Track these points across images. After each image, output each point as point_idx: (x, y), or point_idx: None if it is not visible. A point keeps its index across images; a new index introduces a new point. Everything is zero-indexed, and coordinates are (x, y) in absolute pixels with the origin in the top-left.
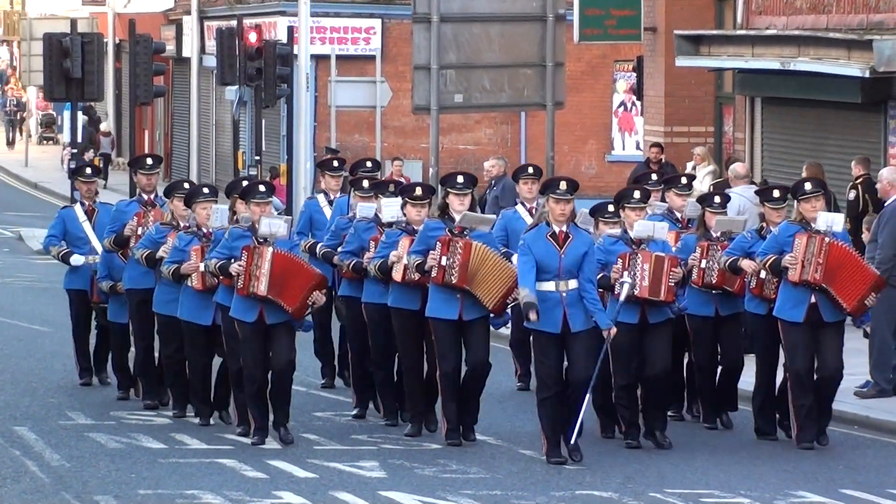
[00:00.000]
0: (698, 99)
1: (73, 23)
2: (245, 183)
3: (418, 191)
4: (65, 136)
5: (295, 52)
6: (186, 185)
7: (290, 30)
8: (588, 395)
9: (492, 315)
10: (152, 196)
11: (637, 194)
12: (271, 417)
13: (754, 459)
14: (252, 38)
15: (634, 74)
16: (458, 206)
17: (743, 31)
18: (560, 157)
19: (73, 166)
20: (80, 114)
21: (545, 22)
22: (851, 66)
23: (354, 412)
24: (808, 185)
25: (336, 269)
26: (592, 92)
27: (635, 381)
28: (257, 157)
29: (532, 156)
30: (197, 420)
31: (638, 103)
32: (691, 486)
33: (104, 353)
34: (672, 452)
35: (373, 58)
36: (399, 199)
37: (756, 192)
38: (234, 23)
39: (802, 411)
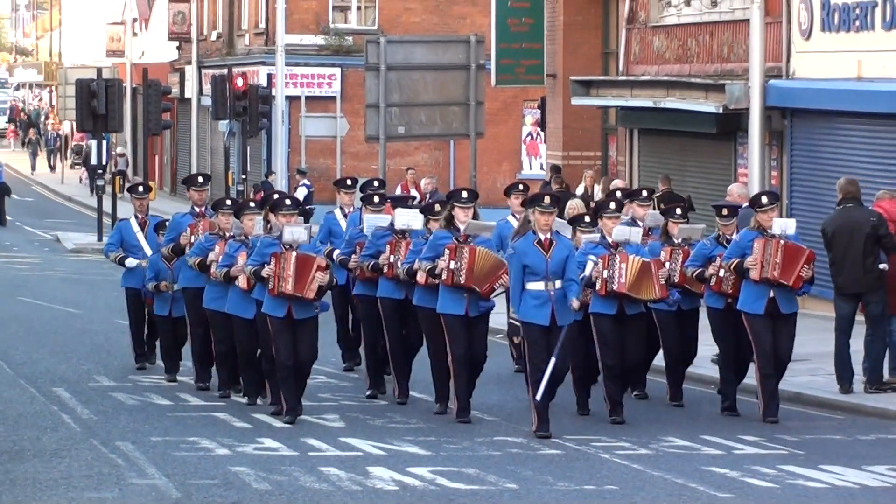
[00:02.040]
0: (589, 130)
1: (99, 71)
2: (276, 197)
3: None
4: (93, 159)
5: (273, 93)
6: (228, 202)
7: (269, 77)
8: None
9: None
10: (203, 209)
11: (613, 205)
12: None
13: (633, 413)
14: (239, 83)
15: (539, 111)
16: (463, 217)
17: (624, 77)
18: (480, 175)
19: (99, 183)
20: (104, 142)
21: (469, 70)
22: (708, 105)
23: (368, 393)
24: (764, 199)
25: (351, 272)
26: (506, 124)
27: (621, 363)
28: (243, 176)
29: (459, 174)
30: (244, 399)
31: (541, 133)
32: (584, 433)
33: (153, 341)
34: (571, 410)
35: (334, 98)
36: (412, 211)
37: (713, 206)
38: (225, 71)
39: (768, 390)
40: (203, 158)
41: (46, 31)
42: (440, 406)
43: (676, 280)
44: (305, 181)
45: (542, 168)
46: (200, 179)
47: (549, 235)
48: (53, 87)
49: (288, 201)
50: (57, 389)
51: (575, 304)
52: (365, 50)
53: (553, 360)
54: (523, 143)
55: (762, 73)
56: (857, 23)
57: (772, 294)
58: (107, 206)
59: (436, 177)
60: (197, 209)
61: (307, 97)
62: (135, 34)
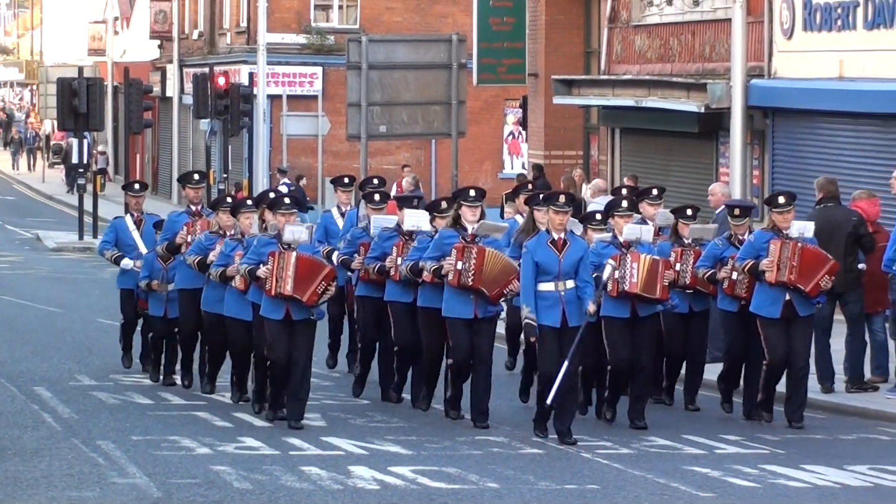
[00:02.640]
0: (571, 129)
1: (81, 69)
2: (272, 195)
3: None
4: (74, 157)
5: (255, 92)
6: (229, 200)
7: (251, 75)
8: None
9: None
10: (199, 207)
11: (625, 203)
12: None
13: (617, 412)
14: (221, 81)
15: (521, 110)
16: (471, 216)
17: (605, 76)
18: (462, 174)
19: (79, 182)
20: (85, 141)
21: (451, 69)
22: (690, 104)
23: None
24: (781, 199)
25: (351, 272)
26: (488, 124)
27: (629, 368)
28: (225, 175)
29: (440, 174)
30: (228, 398)
31: (523, 132)
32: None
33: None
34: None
35: (315, 97)
36: (421, 212)
37: (726, 205)
38: (206, 69)
39: (770, 390)
40: (184, 157)
41: (27, 30)
42: (424, 403)
43: (688, 281)
44: (286, 180)
45: (523, 167)
46: (196, 177)
47: (562, 235)
48: (34, 86)
49: (287, 200)
50: (37, 388)
51: (591, 308)
52: (346, 49)
53: (566, 364)
54: (505, 142)
55: (744, 73)
56: (839, 22)
57: (787, 297)
58: (87, 205)
59: (417, 177)
60: (193, 207)
61: (289, 96)
62: (116, 33)
